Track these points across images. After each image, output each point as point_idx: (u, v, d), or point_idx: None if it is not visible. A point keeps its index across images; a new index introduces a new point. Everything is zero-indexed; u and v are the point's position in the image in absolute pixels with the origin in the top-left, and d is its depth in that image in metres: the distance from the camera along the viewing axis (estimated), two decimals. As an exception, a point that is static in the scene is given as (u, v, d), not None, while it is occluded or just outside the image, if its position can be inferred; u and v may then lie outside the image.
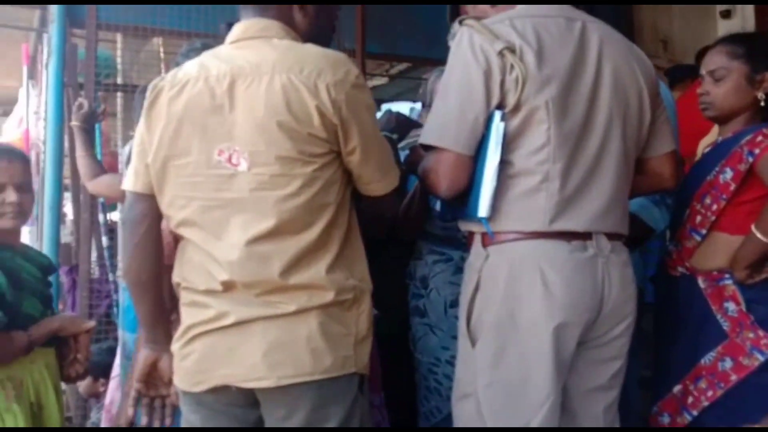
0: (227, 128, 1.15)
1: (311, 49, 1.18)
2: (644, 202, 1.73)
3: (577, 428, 1.38)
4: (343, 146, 1.17)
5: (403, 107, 2.24)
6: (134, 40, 3.62)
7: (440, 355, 1.84)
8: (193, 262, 1.21)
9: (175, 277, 1.26)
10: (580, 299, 1.28)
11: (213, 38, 1.97)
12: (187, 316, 1.23)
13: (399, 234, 1.88)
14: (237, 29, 1.24)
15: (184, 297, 1.24)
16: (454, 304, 1.77)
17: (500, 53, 1.24)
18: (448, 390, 1.79)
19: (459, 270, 1.81)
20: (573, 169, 1.29)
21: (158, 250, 1.29)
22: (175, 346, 1.25)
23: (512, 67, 1.24)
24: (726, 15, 5.59)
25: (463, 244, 1.79)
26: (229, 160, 1.15)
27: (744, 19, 5.50)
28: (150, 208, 1.25)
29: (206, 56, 1.22)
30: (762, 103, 1.58)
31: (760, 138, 1.51)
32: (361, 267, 1.25)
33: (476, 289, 1.33)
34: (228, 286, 1.16)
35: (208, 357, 1.18)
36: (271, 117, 1.12)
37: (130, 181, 1.27)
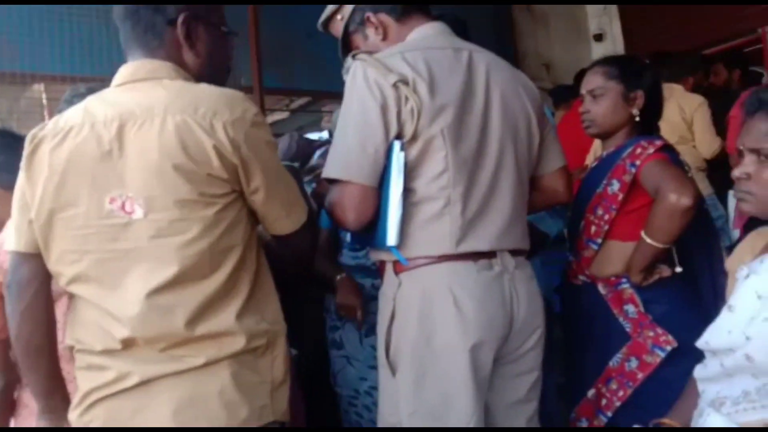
0: (118, 175, 1.09)
1: (205, 88, 1.14)
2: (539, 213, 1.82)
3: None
4: (245, 186, 1.13)
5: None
6: (12, 87, 3.39)
7: (359, 386, 1.82)
8: (87, 322, 1.13)
9: (68, 340, 1.17)
10: (492, 317, 1.32)
11: (99, 82, 1.89)
12: (84, 380, 1.13)
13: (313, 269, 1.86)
14: (124, 71, 1.19)
15: (79, 360, 1.15)
16: (369, 333, 1.79)
17: (394, 86, 1.28)
18: (369, 422, 1.77)
19: (372, 298, 1.81)
20: (472, 192, 1.34)
21: (50, 313, 1.20)
22: (72, 416, 1.15)
23: (407, 98, 1.28)
24: (599, 38, 6.09)
25: (374, 271, 1.80)
26: (123, 207, 1.09)
27: (614, 42, 6.01)
28: (38, 268, 1.16)
29: (91, 101, 1.16)
30: (637, 119, 1.72)
31: (639, 150, 1.63)
32: (273, 308, 1.21)
33: (392, 317, 1.35)
34: (128, 344, 1.09)
35: (113, 423, 1.10)
36: (165, 160, 1.07)
37: (12, 241, 1.17)
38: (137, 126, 1.08)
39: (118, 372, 1.09)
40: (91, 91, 1.44)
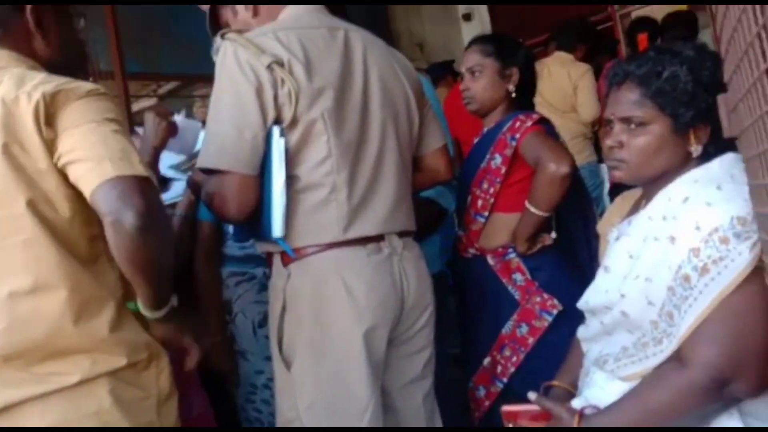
0: None
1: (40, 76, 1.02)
2: (440, 188, 1.84)
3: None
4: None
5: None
6: None
7: (255, 380, 1.76)
8: None
9: None
10: (384, 300, 1.31)
11: None
12: None
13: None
14: None
15: None
16: (263, 323, 1.72)
17: (269, 67, 1.20)
18: (269, 416, 1.72)
19: (264, 287, 1.75)
20: (357, 177, 1.30)
21: None
22: None
23: (283, 81, 1.21)
24: (467, 18, 6.30)
25: (264, 260, 1.73)
26: None
27: (482, 21, 6.24)
28: None
29: None
30: (513, 95, 1.78)
31: (518, 124, 1.69)
32: None
33: (283, 310, 1.30)
34: None
35: None
36: None
37: None
38: None
39: None
40: None
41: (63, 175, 0.98)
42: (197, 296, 1.80)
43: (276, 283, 1.33)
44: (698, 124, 1.09)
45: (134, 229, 0.91)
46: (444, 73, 4.59)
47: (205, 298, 1.79)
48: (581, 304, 1.26)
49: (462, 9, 6.32)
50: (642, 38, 3.56)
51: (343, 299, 1.27)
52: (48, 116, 0.96)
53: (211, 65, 1.31)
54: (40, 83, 0.98)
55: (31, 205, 0.96)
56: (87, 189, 0.95)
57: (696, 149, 1.10)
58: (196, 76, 4.12)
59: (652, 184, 1.16)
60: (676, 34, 3.37)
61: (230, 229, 1.78)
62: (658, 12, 5.24)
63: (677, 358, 1.03)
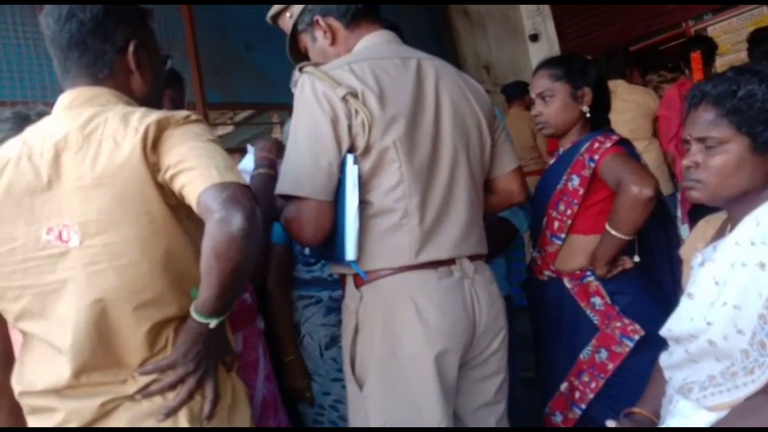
0: (56, 204, 1.05)
1: (144, 110, 1.11)
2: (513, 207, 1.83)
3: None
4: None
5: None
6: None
7: (323, 401, 1.78)
8: (35, 360, 1.08)
9: (15, 384, 1.11)
10: (455, 324, 1.31)
11: (26, 105, 1.81)
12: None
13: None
14: (63, 99, 1.15)
15: (25, 406, 1.09)
16: (330, 345, 1.76)
17: (343, 99, 1.25)
18: None
19: (330, 311, 1.78)
20: (428, 202, 1.33)
21: (7, 355, 1.14)
22: None
23: (357, 111, 1.26)
24: (534, 39, 6.26)
25: (331, 283, 1.77)
26: (59, 236, 1.05)
27: (549, 41, 6.19)
28: None
29: (29, 132, 1.13)
30: (588, 115, 1.76)
31: (596, 145, 1.66)
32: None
33: (356, 331, 1.33)
34: (75, 379, 1.04)
35: None
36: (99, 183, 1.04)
37: None
38: (73, 152, 1.05)
39: (67, 412, 1.04)
40: (19, 115, 1.39)
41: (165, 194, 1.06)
42: (271, 316, 1.86)
43: (349, 305, 1.36)
44: None
45: (240, 230, 0.94)
46: (519, 92, 4.59)
47: (278, 318, 1.84)
48: (664, 332, 1.22)
49: (528, 29, 6.30)
50: (695, 57, 3.46)
51: (414, 322, 1.28)
52: (154, 142, 1.04)
53: (281, 95, 1.37)
54: (143, 116, 1.06)
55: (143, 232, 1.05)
56: (195, 191, 0.99)
57: None
58: (268, 105, 4.29)
59: (737, 207, 1.13)
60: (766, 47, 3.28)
61: (305, 251, 1.84)
62: (737, 25, 5.07)
63: (770, 389, 0.99)
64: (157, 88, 1.25)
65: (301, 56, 1.49)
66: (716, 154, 1.11)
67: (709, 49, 3.51)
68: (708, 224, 1.29)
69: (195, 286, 1.03)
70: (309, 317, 1.84)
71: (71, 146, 1.05)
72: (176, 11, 3.51)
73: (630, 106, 3.46)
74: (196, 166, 1.01)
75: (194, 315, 1.03)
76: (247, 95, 4.17)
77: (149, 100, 1.21)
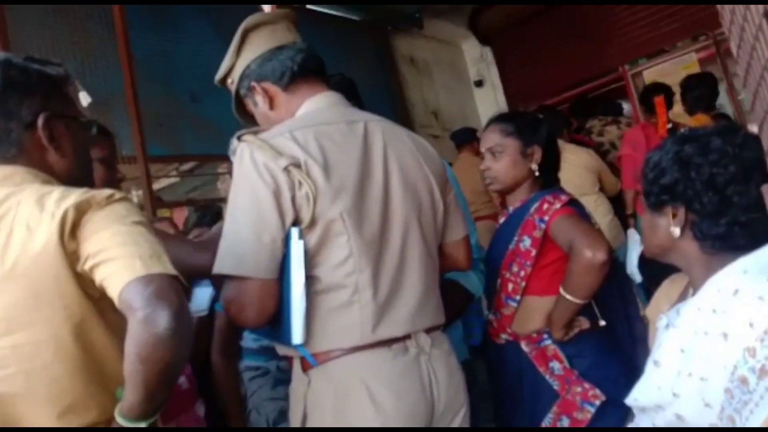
0: None
1: (54, 191, 1.01)
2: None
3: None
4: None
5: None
6: None
7: None
8: None
9: None
10: (412, 408, 1.22)
11: None
12: None
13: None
14: None
15: None
16: (278, 421, 1.67)
17: (285, 170, 1.18)
18: None
19: (278, 382, 1.69)
20: (380, 275, 1.25)
21: None
22: None
23: (300, 183, 1.18)
24: (479, 84, 6.41)
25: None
26: None
27: (494, 86, 6.35)
28: None
29: None
30: (536, 173, 1.74)
31: (546, 206, 1.64)
32: None
33: (304, 418, 1.23)
34: None
35: None
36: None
37: None
38: None
39: None
40: None
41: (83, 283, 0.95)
42: (216, 390, 1.74)
43: (296, 389, 1.26)
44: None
45: (166, 330, 0.86)
46: (468, 138, 4.65)
47: (223, 390, 1.74)
48: (630, 401, 1.17)
49: (473, 75, 6.45)
50: (659, 101, 3.63)
51: (368, 410, 1.19)
52: (72, 227, 0.94)
53: (226, 146, 1.30)
54: (60, 198, 0.97)
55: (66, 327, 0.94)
56: (117, 286, 0.90)
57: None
58: (213, 156, 4.20)
59: (697, 272, 1.11)
60: (700, 93, 3.54)
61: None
62: (669, 69, 5.33)
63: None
64: (81, 160, 1.15)
65: (251, 116, 1.44)
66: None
67: (668, 94, 3.75)
68: (672, 284, 1.28)
69: (120, 386, 0.92)
70: (256, 390, 1.74)
71: None
72: (117, 66, 3.42)
73: (574, 162, 3.61)
74: (118, 256, 0.92)
75: (120, 420, 0.92)
76: (192, 146, 4.06)
77: (73, 175, 1.11)
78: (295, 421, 1.25)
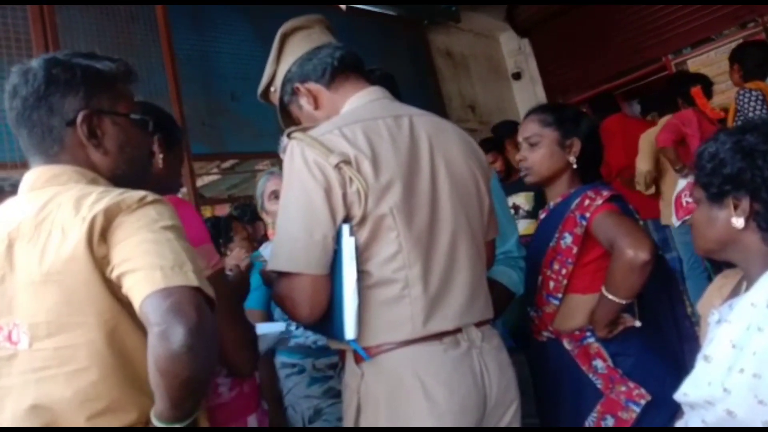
0: (8, 300, 0.96)
1: (99, 190, 1.01)
2: (502, 267, 1.77)
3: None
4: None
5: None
6: None
7: None
8: None
9: None
10: (464, 401, 1.23)
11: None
12: None
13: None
14: (27, 178, 1.07)
15: None
16: (314, 419, 1.69)
17: (337, 167, 1.19)
18: None
19: (313, 381, 1.71)
20: (431, 270, 1.25)
21: None
22: None
23: (351, 180, 1.19)
24: (517, 77, 6.33)
25: (314, 351, 1.70)
26: (9, 337, 0.96)
27: (532, 79, 6.26)
28: None
29: None
30: (574, 166, 1.71)
31: (587, 201, 1.61)
32: None
33: (358, 411, 1.24)
34: None
35: None
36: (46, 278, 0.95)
37: None
38: (25, 242, 0.97)
39: None
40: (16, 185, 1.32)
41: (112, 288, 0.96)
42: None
43: (350, 383, 1.27)
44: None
45: (182, 347, 0.85)
46: (510, 131, 4.62)
47: (263, 388, 1.76)
48: (679, 396, 1.15)
49: (511, 68, 6.37)
50: (696, 91, 3.54)
51: (421, 403, 1.20)
52: (102, 232, 0.95)
53: (269, 142, 1.31)
54: (94, 202, 0.97)
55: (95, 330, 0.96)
56: (137, 299, 0.91)
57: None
58: (256, 154, 4.27)
59: (756, 266, 1.09)
60: (758, 60, 3.41)
61: (283, 316, 1.76)
62: (715, 58, 5.16)
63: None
64: (127, 158, 1.13)
65: (297, 125, 1.44)
66: None
67: (706, 83, 3.69)
68: (725, 279, 1.25)
69: None
70: (291, 388, 1.76)
71: (23, 236, 0.97)
72: (160, 67, 3.50)
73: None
74: (141, 267, 0.92)
75: (155, 421, 0.93)
76: (233, 144, 4.15)
77: (119, 173, 1.11)
78: (349, 414, 1.26)
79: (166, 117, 1.48)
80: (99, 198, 0.98)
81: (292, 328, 1.74)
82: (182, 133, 1.67)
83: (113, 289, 0.96)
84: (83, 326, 0.95)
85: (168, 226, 0.98)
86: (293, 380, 1.77)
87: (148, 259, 0.92)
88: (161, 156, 1.43)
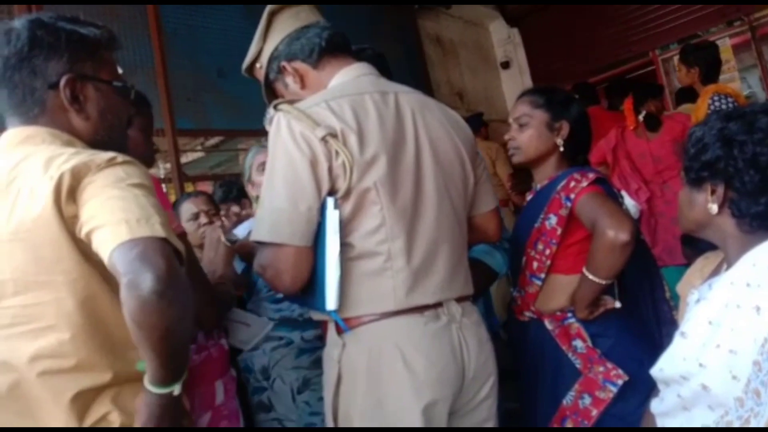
0: None
1: (68, 153, 1.00)
2: (485, 247, 1.79)
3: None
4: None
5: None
6: None
7: None
8: None
9: None
10: (443, 373, 1.26)
11: None
12: None
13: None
14: (3, 139, 1.07)
15: None
16: (302, 389, 1.69)
17: (323, 139, 1.20)
18: None
19: (302, 352, 1.71)
20: (414, 244, 1.27)
21: None
22: None
23: (337, 153, 1.20)
24: (505, 66, 6.34)
25: (301, 323, 1.71)
26: None
27: (520, 68, 6.27)
28: None
29: None
30: (561, 149, 1.72)
31: (573, 183, 1.63)
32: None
33: (338, 381, 1.26)
34: None
35: None
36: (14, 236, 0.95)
37: None
38: None
39: None
40: None
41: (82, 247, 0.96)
42: None
43: (331, 353, 1.29)
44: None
45: (151, 293, 0.84)
46: (476, 124, 4.66)
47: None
48: (655, 371, 1.18)
49: (500, 57, 6.37)
50: (627, 104, 3.57)
51: (400, 373, 1.22)
52: (70, 191, 0.94)
53: (255, 120, 1.31)
54: (65, 161, 0.96)
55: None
56: (105, 253, 0.90)
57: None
58: (242, 131, 4.23)
59: (733, 248, 1.11)
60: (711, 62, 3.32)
61: (267, 288, 1.76)
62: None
63: (767, 440, 0.95)
64: (108, 124, 1.13)
65: (277, 98, 1.43)
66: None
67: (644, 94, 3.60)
68: (707, 261, 1.28)
69: (141, 359, 0.93)
70: (279, 359, 1.76)
71: None
72: (146, 39, 3.44)
73: None
74: (107, 222, 0.91)
75: (151, 388, 0.92)
76: (218, 121, 4.11)
77: (99, 139, 1.10)
78: (329, 384, 1.28)
79: None
80: (69, 159, 0.97)
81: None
82: (149, 107, 1.67)
83: (84, 249, 0.96)
84: (51, 285, 0.95)
85: (136, 184, 0.98)
86: (281, 352, 1.77)
87: (115, 215, 0.91)
88: None
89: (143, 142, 1.59)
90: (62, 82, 1.06)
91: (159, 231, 0.92)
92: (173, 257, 0.91)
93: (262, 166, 1.89)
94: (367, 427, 1.23)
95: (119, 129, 1.18)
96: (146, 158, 1.60)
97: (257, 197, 1.87)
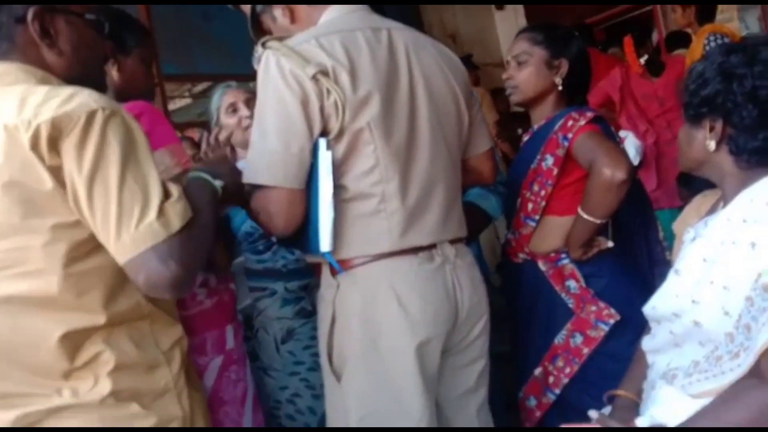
0: None
1: (43, 93, 0.96)
2: (480, 191, 1.76)
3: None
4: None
5: None
6: None
7: (279, 396, 1.70)
8: None
9: None
10: (437, 312, 1.26)
11: None
12: None
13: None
14: None
15: None
16: (286, 339, 1.69)
17: (314, 78, 1.15)
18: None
19: (286, 302, 1.71)
20: (408, 185, 1.25)
21: None
22: None
23: (328, 91, 1.16)
24: (500, 7, 6.18)
25: (285, 274, 1.69)
26: None
27: (515, 10, 6.11)
28: None
29: None
30: (560, 88, 1.68)
31: (570, 122, 1.60)
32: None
33: (333, 321, 1.27)
34: None
35: None
36: None
37: None
38: None
39: None
40: None
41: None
42: None
43: (325, 295, 1.29)
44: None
45: (167, 291, 0.96)
46: (467, 69, 4.54)
47: None
48: (647, 309, 1.19)
49: (495, -2, 6.20)
50: (627, 41, 3.50)
51: (394, 312, 1.23)
52: (51, 144, 0.92)
53: (243, 65, 1.27)
54: (41, 103, 0.93)
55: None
56: (113, 256, 0.96)
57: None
58: (227, 76, 4.13)
59: (730, 185, 1.10)
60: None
61: (248, 238, 1.74)
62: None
63: (756, 374, 0.95)
64: (83, 59, 1.08)
65: (265, 35, 1.37)
66: None
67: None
68: (704, 199, 1.28)
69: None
70: (263, 309, 1.75)
71: None
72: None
73: None
74: (105, 220, 0.93)
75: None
76: (205, 66, 4.02)
77: (74, 75, 1.06)
78: (324, 325, 1.29)
79: (118, 22, 1.43)
80: (45, 99, 0.94)
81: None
82: (149, 36, 1.60)
83: (67, 193, 0.94)
84: (34, 230, 0.94)
85: (125, 153, 0.95)
86: (264, 303, 1.76)
87: (111, 214, 0.93)
88: (114, 66, 1.42)
89: (144, 75, 1.54)
90: (29, 14, 1.01)
91: (159, 232, 0.94)
92: (177, 250, 0.95)
93: (231, 107, 1.83)
94: (369, 428, 1.24)
95: (95, 64, 1.14)
96: (146, 91, 1.56)
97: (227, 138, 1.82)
